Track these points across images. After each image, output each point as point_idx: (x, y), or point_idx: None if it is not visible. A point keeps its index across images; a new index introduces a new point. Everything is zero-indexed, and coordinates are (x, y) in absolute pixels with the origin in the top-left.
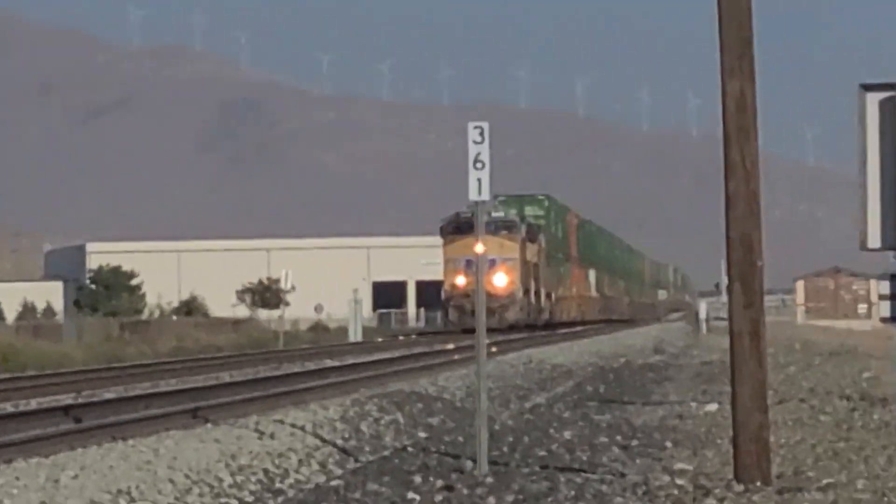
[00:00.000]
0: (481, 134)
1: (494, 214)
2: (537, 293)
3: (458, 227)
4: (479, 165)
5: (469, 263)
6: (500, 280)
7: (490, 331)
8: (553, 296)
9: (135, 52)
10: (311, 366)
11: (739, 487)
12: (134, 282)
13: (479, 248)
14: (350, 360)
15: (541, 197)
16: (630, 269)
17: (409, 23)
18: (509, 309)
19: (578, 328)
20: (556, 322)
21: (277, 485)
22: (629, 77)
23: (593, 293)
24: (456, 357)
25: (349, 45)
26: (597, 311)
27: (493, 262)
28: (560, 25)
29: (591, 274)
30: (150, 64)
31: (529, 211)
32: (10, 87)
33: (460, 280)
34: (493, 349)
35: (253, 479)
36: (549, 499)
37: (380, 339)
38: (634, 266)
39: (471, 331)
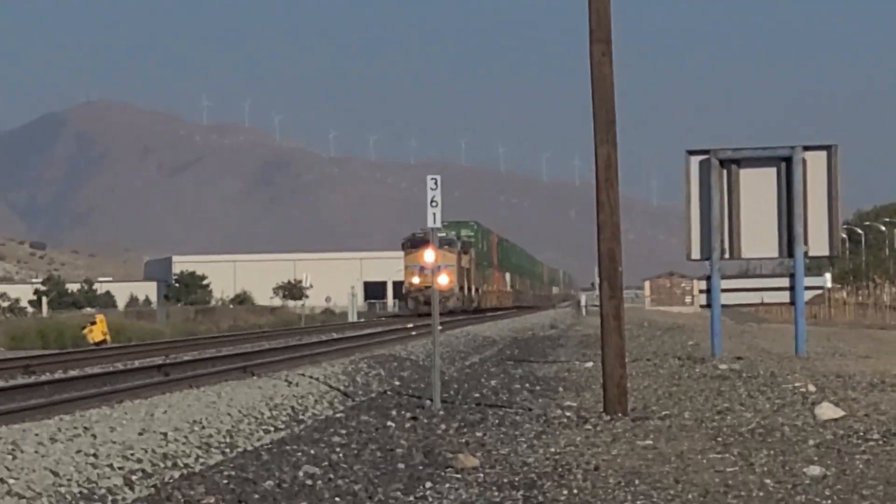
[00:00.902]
0: (436, 183)
1: (440, 234)
2: (469, 289)
3: (414, 243)
4: (434, 204)
5: (421, 268)
6: (443, 280)
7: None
8: (480, 291)
9: (204, 127)
10: (322, 338)
11: (607, 417)
12: (205, 282)
13: (433, 257)
14: (349, 334)
15: (472, 223)
16: (534, 272)
17: (387, 109)
18: (450, 299)
19: (499, 313)
20: (482, 309)
21: (300, 417)
22: (534, 143)
23: (508, 289)
24: (413, 333)
25: (348, 123)
26: (511, 301)
27: (438, 268)
28: (487, 110)
29: (507, 276)
30: (214, 135)
31: (464, 232)
32: (121, 150)
33: (415, 280)
34: (441, 327)
35: (284, 413)
36: (482, 425)
37: (364, 321)
38: (536, 270)
39: (425, 314)
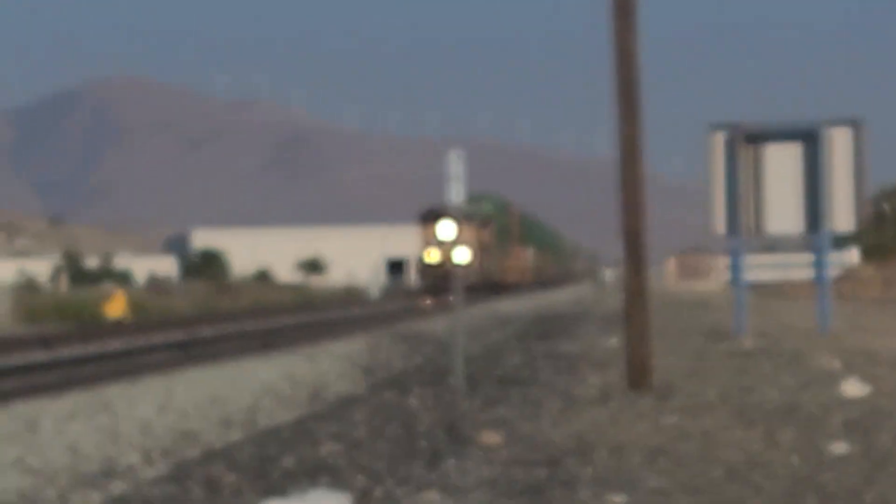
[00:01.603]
0: (458, 158)
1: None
2: (488, 265)
3: (430, 217)
4: (456, 179)
5: (438, 243)
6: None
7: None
8: (500, 266)
9: (223, 103)
10: (344, 314)
11: (631, 394)
12: (225, 257)
13: (454, 233)
14: (371, 310)
15: (492, 196)
16: (557, 247)
17: (409, 85)
18: (468, 276)
19: (521, 289)
20: (502, 285)
21: (321, 394)
22: (557, 119)
23: (530, 264)
24: (430, 310)
25: (369, 98)
26: (532, 277)
27: (455, 243)
28: (510, 86)
29: (529, 251)
30: (233, 111)
31: (483, 206)
32: (138, 125)
33: (432, 255)
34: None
35: (304, 390)
36: (504, 402)
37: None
38: (560, 245)
39: (442, 291)
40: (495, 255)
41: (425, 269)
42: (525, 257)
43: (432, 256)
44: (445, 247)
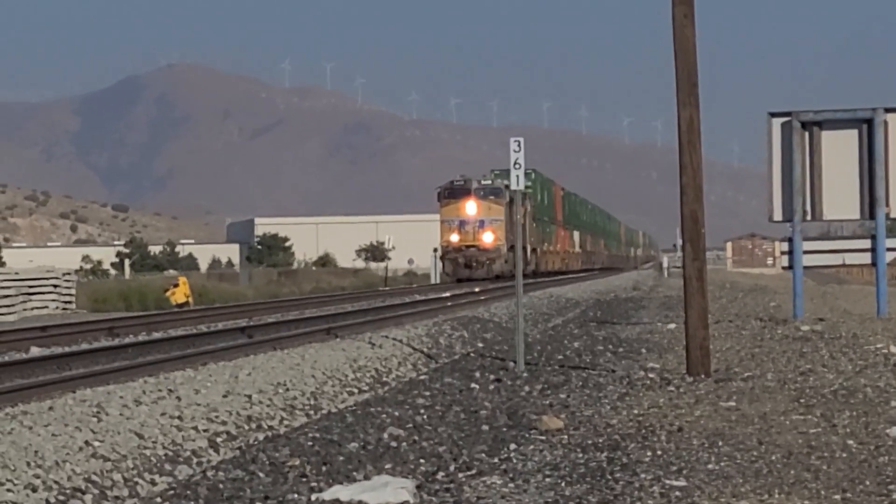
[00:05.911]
0: (519, 145)
1: (483, 182)
2: (523, 248)
3: (452, 193)
4: (517, 166)
5: (461, 223)
6: (488, 237)
7: (480, 280)
8: (538, 251)
9: (285, 90)
10: (406, 299)
11: (690, 378)
12: (287, 244)
13: (475, 210)
14: (432, 296)
15: (528, 171)
16: (609, 231)
17: (469, 73)
18: (496, 261)
19: (566, 276)
20: (541, 272)
21: (384, 379)
22: (616, 106)
23: (577, 249)
24: (449, 304)
25: (430, 86)
26: (580, 263)
27: (482, 223)
28: (569, 74)
29: (576, 234)
30: (295, 98)
31: None
32: (202, 113)
33: (454, 237)
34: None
35: (367, 375)
36: (565, 386)
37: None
38: (613, 229)
39: (463, 280)
40: (531, 237)
41: (444, 254)
42: (571, 241)
43: (452, 239)
44: (468, 228)
